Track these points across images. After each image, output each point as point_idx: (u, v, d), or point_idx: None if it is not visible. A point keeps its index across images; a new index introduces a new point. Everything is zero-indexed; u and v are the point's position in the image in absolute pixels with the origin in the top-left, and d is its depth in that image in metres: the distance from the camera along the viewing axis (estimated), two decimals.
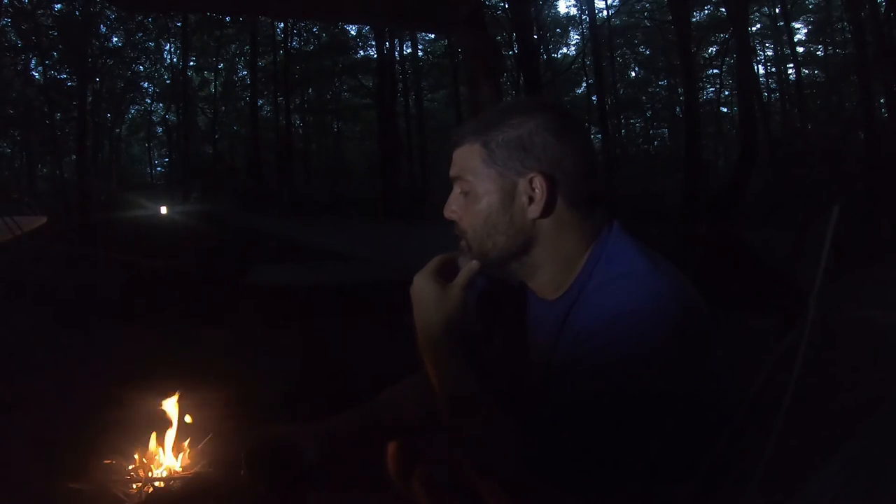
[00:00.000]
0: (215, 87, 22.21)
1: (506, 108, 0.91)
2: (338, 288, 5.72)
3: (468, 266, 0.90)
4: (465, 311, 0.88)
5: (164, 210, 12.90)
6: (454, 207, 0.92)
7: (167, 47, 20.29)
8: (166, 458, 1.87)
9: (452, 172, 0.92)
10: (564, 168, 0.86)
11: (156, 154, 25.47)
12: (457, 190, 0.92)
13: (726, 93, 21.05)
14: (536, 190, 0.85)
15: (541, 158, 0.86)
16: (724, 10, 14.25)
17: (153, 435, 1.88)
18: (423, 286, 0.89)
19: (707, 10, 19.09)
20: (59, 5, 16.66)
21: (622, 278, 0.81)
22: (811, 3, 20.08)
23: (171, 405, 1.88)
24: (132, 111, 23.42)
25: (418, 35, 19.70)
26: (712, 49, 20.40)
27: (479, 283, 1.05)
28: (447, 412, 0.86)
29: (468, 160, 0.90)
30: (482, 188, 0.88)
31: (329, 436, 1.00)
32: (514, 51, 14.42)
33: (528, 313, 0.97)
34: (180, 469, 1.86)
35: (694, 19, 17.00)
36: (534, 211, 0.86)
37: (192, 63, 20.22)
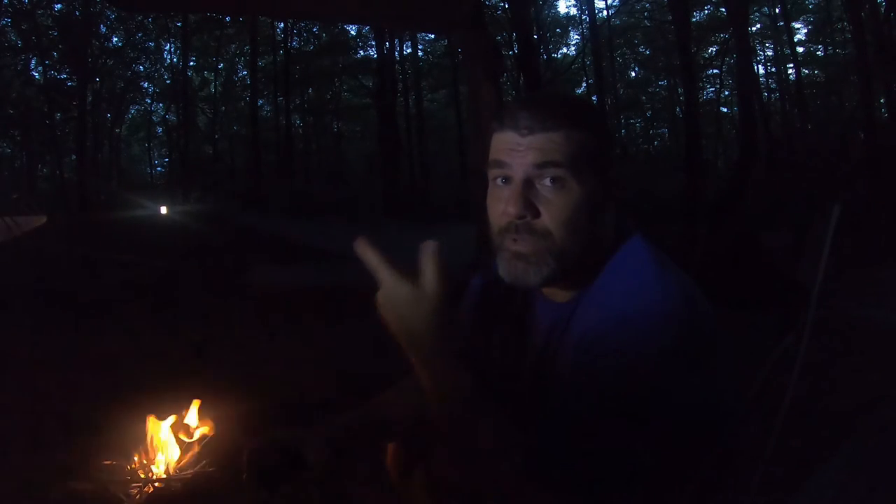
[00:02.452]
0: (215, 87, 22.24)
1: (579, 100, 0.92)
2: (336, 288, 5.71)
3: (430, 252, 0.78)
4: (446, 305, 0.80)
5: (164, 210, 12.90)
6: (539, 205, 0.80)
7: (167, 47, 20.34)
8: (166, 458, 1.87)
9: (539, 158, 0.80)
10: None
11: (156, 154, 25.51)
12: (531, 183, 0.81)
13: (726, 93, 21.10)
14: (616, 187, 0.86)
15: (614, 159, 0.87)
16: (724, 10, 14.25)
17: (153, 435, 1.88)
18: (393, 288, 0.79)
19: (707, 10, 19.13)
20: (59, 5, 16.69)
21: (627, 280, 0.81)
22: (811, 3, 20.10)
23: (170, 405, 1.88)
24: (132, 111, 23.50)
25: (418, 35, 19.72)
26: (712, 49, 20.42)
27: (477, 282, 1.05)
28: (442, 413, 0.85)
29: (570, 147, 0.80)
30: (587, 181, 0.80)
31: (330, 437, 1.00)
32: (514, 51, 14.41)
33: (532, 313, 0.96)
34: (180, 469, 1.86)
35: (694, 19, 17.00)
36: (612, 214, 0.86)
37: (192, 63, 20.26)
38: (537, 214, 0.80)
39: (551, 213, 0.80)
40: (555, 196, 0.80)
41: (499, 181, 0.83)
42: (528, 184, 0.80)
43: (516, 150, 0.81)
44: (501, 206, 0.82)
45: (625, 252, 0.85)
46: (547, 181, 0.80)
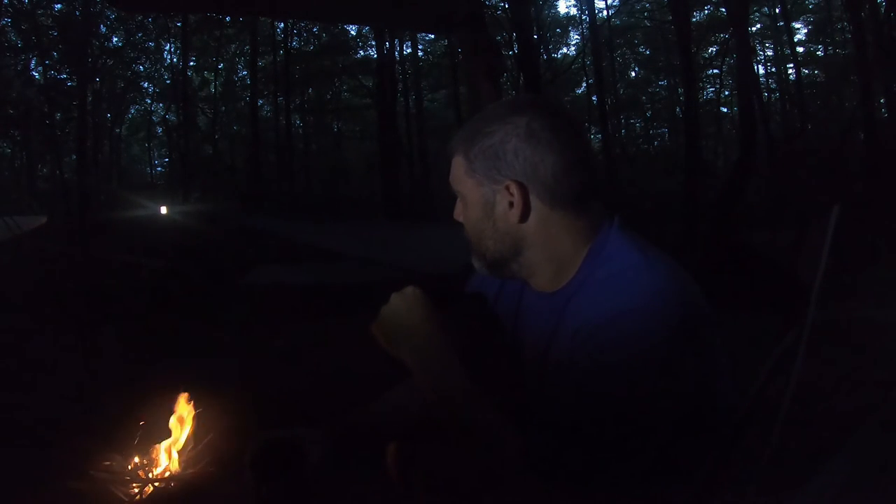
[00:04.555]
0: (215, 87, 22.22)
1: (484, 115, 0.93)
2: (337, 288, 5.71)
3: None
4: (436, 308, 0.93)
5: (164, 210, 12.87)
6: (459, 212, 0.98)
7: (167, 47, 20.30)
8: (166, 458, 1.86)
9: (450, 181, 0.97)
10: (540, 171, 0.87)
11: (156, 154, 25.43)
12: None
13: (726, 93, 21.05)
14: (514, 196, 0.88)
15: (514, 165, 0.88)
16: (724, 10, 14.24)
17: (153, 435, 1.88)
18: (393, 300, 0.95)
19: (707, 10, 19.10)
20: (59, 5, 16.68)
21: (621, 274, 0.81)
22: (811, 3, 20.08)
23: (171, 405, 1.87)
24: (132, 111, 23.44)
25: (418, 35, 19.70)
26: (712, 49, 20.41)
27: (477, 281, 1.06)
28: (439, 412, 0.86)
29: (456, 171, 0.95)
30: (469, 197, 0.94)
31: (331, 437, 1.00)
32: (514, 51, 14.40)
33: (524, 306, 0.98)
34: (180, 469, 1.86)
35: (694, 19, 17.00)
36: (514, 216, 0.89)
37: (192, 63, 20.21)
38: (464, 221, 0.97)
39: (464, 222, 0.96)
40: (462, 209, 0.96)
41: None
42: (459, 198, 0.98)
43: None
44: None
45: (610, 242, 0.87)
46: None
